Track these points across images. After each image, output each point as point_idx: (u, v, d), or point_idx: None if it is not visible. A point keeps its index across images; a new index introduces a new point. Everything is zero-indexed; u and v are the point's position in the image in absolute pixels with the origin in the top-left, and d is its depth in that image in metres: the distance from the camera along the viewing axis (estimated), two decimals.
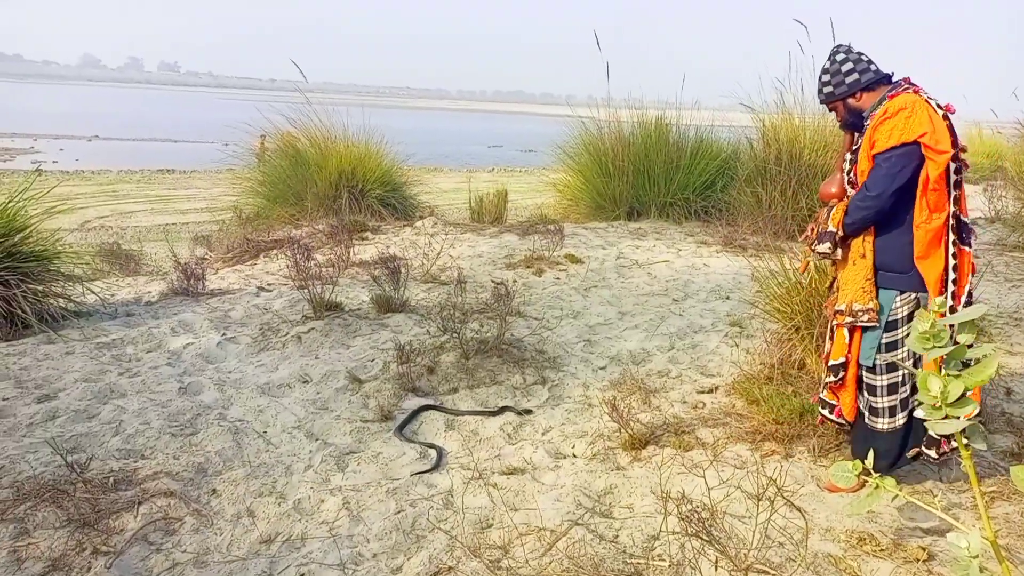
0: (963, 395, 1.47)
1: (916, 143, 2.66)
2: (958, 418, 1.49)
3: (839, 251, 2.90)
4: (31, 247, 4.96)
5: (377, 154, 10.68)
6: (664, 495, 2.53)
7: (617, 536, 2.68)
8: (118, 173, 28.50)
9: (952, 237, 2.68)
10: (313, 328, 4.71)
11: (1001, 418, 3.49)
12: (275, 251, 8.16)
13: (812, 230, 3.02)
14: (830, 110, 2.98)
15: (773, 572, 2.31)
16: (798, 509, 2.43)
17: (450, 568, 2.57)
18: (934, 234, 2.69)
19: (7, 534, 2.69)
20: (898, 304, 2.77)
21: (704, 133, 10.32)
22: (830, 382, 2.97)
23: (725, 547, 2.25)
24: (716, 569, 2.33)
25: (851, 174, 2.94)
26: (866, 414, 2.89)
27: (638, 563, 2.48)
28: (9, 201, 4.97)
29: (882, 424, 2.84)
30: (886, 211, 2.75)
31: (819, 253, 2.93)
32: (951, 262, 2.69)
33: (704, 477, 2.86)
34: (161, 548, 2.70)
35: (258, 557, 2.66)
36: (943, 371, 1.53)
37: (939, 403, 1.49)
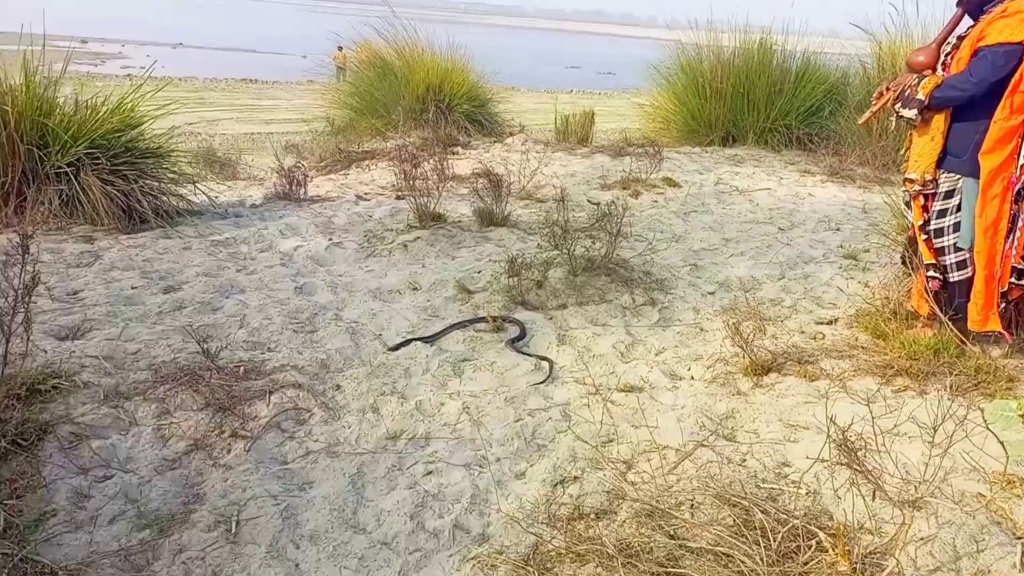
0: None
1: (1021, 45, 2.92)
2: None
3: (919, 119, 3.18)
4: (147, 143, 5.07)
5: (463, 69, 10.49)
6: (829, 419, 2.44)
7: (745, 460, 2.64)
8: (203, 81, 28.98)
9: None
10: (419, 237, 4.72)
11: None
12: (367, 162, 8.18)
13: (888, 90, 3.30)
14: None
15: (920, 507, 2.23)
16: (995, 436, 2.31)
17: (575, 478, 2.58)
18: (1007, 132, 2.96)
19: (150, 413, 2.82)
20: (943, 179, 3.20)
21: (812, 56, 9.72)
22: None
23: (878, 478, 2.17)
24: (867, 499, 2.27)
25: (949, 56, 3.20)
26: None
27: (772, 488, 2.44)
28: (125, 97, 5.06)
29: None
30: (975, 98, 3.02)
31: (904, 116, 3.21)
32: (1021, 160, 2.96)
33: (857, 406, 2.76)
34: (294, 436, 2.80)
35: (386, 452, 2.73)
36: None
37: None
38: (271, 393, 2.98)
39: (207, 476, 2.58)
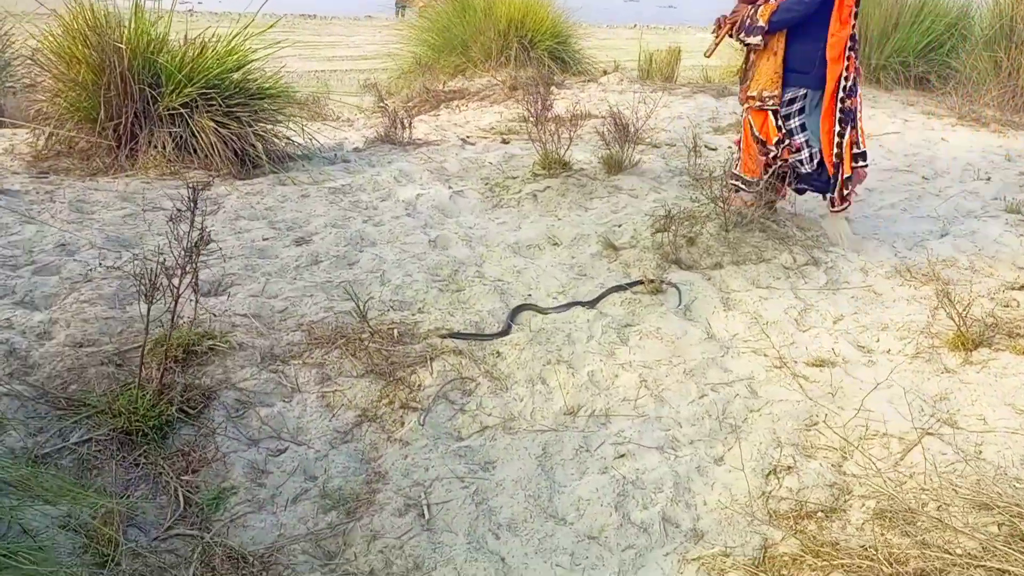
0: None
1: None
2: None
3: (763, 43, 3.55)
4: (258, 84, 4.84)
5: (543, 3, 9.95)
6: None
7: (981, 452, 2.34)
8: (262, 16, 28.66)
9: (850, 45, 3.46)
10: (548, 187, 4.42)
11: None
12: (455, 102, 7.85)
13: (725, 22, 3.69)
14: None
15: None
16: None
17: (789, 468, 2.32)
18: (842, 43, 3.44)
19: (311, 378, 2.65)
20: (789, 94, 3.60)
21: None
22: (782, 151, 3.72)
23: None
24: None
25: None
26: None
27: None
28: (237, 34, 4.81)
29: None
30: (807, 16, 3.44)
31: (749, 43, 3.59)
32: (846, 64, 3.48)
33: None
34: (465, 409, 2.59)
35: (567, 430, 2.51)
36: None
37: None
38: (432, 360, 2.77)
39: (384, 452, 2.40)
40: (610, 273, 3.52)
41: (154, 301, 2.27)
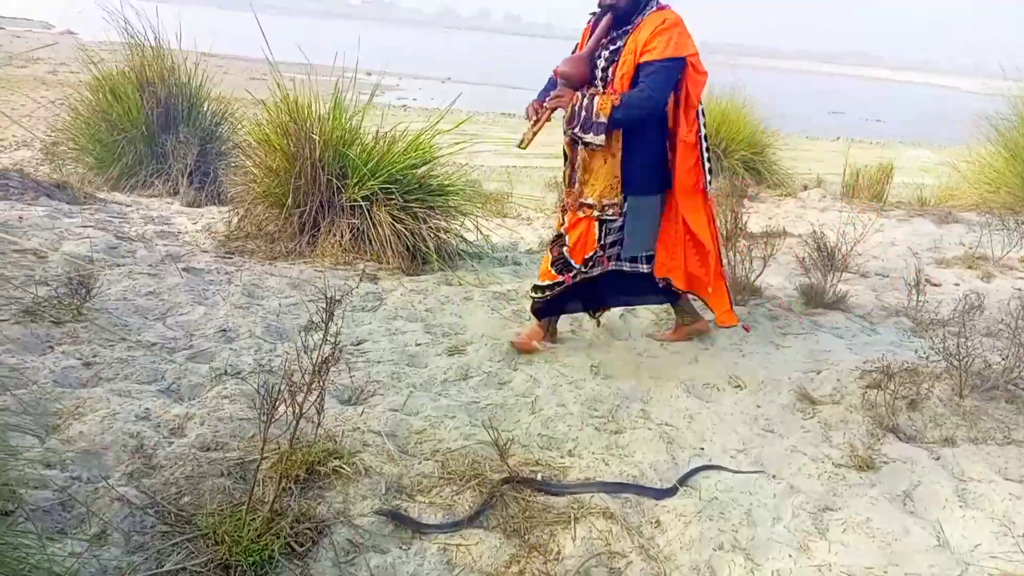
0: None
1: (684, 60, 3.05)
2: None
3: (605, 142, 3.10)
4: (438, 180, 4.80)
5: (740, 112, 9.54)
6: None
7: None
8: (466, 113, 30.74)
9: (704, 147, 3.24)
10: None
11: None
12: None
13: (541, 108, 3.15)
14: None
15: None
16: None
17: None
18: (692, 147, 3.19)
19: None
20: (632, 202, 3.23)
21: None
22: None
23: None
24: None
25: (608, 72, 3.12)
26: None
27: None
28: (424, 131, 4.84)
29: None
30: (654, 116, 3.12)
31: (591, 143, 3.10)
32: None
33: None
34: None
35: None
36: None
37: None
38: (576, 521, 2.31)
39: None
40: (805, 434, 2.90)
41: (275, 418, 2.04)
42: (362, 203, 4.48)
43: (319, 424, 2.26)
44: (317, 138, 4.41)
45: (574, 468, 2.61)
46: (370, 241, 4.50)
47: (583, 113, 3.06)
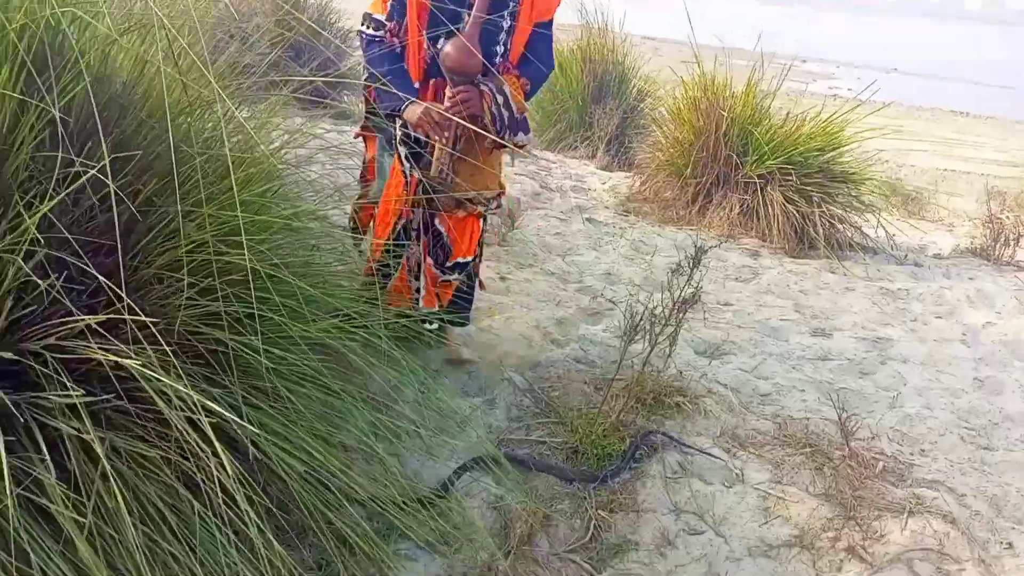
0: None
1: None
2: None
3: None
4: (843, 167, 4.65)
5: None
6: None
7: None
8: (907, 108, 27.47)
9: None
10: None
11: None
12: None
13: (441, 124, 2.32)
14: None
15: None
16: None
17: None
18: None
19: (762, 476, 2.41)
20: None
21: None
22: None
23: None
24: None
25: (508, 44, 2.44)
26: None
27: None
28: (833, 117, 4.71)
29: None
30: None
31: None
32: None
33: None
34: None
35: None
36: None
37: None
38: (910, 514, 2.24)
39: None
40: None
41: (633, 341, 2.39)
42: (757, 180, 4.58)
43: (670, 355, 2.54)
44: (725, 113, 4.62)
45: (924, 468, 2.49)
46: (758, 218, 4.60)
47: (505, 113, 2.39)
